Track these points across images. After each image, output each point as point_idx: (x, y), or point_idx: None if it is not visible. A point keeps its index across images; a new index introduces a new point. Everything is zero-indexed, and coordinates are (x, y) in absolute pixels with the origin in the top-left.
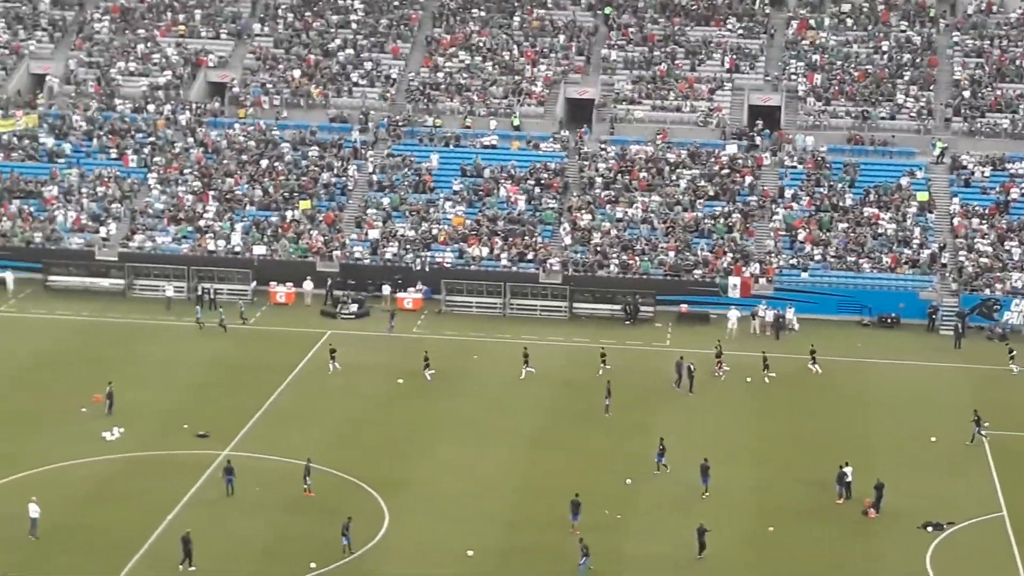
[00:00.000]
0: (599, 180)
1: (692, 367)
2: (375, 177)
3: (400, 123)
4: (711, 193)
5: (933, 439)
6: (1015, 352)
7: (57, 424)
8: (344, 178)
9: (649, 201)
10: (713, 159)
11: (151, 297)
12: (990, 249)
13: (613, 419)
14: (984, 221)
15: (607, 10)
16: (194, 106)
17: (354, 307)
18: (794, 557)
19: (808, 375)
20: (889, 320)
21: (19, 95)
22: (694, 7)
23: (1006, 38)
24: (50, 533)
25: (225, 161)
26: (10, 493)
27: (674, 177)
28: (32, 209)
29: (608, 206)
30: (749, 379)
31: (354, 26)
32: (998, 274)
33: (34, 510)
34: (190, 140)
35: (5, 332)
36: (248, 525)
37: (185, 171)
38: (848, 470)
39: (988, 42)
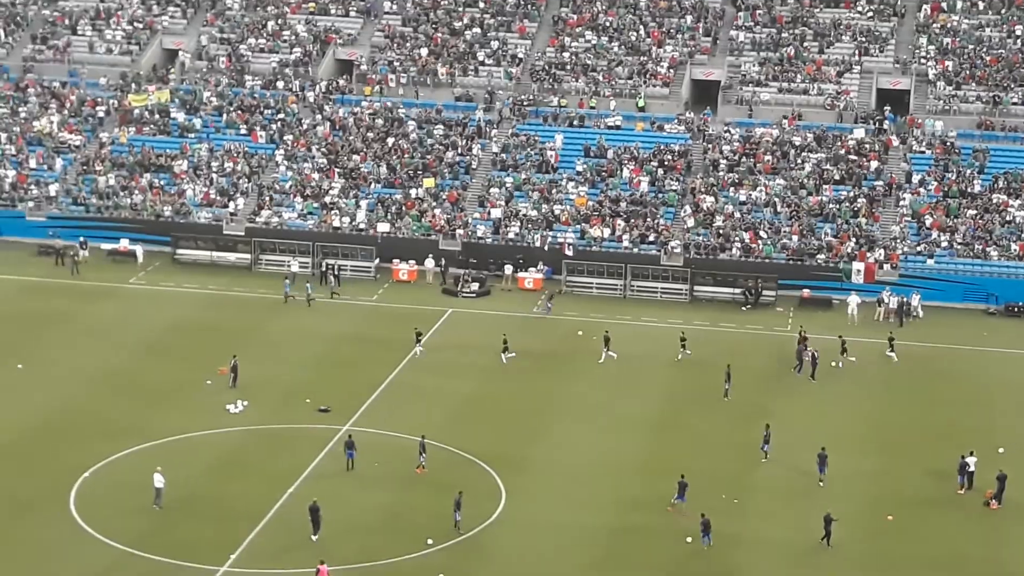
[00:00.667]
0: (723, 162)
1: (816, 353)
2: (500, 156)
3: (525, 103)
4: (836, 177)
5: None
6: None
7: (182, 396)
8: (468, 157)
9: (773, 184)
10: (840, 143)
11: (277, 272)
12: None
13: (732, 404)
14: None
15: None
16: (323, 83)
17: (475, 285)
18: (914, 547)
19: (934, 362)
20: (1016, 309)
21: (153, 70)
22: None
23: None
24: (174, 503)
25: (351, 138)
26: (136, 463)
27: (799, 160)
28: (163, 183)
29: (731, 189)
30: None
31: (481, 5)
32: None
33: (159, 480)
34: (318, 117)
35: (134, 304)
36: (367, 499)
37: (312, 148)
38: (971, 460)
39: None
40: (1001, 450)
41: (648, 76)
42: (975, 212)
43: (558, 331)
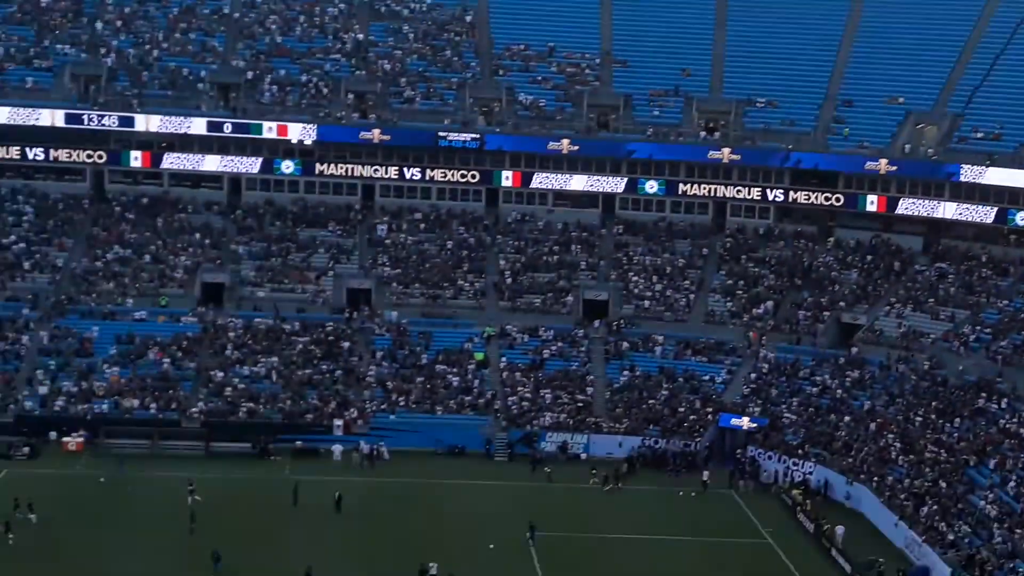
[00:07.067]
0: (230, 345)
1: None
2: (44, 344)
3: (65, 302)
4: (319, 355)
5: (491, 545)
6: (550, 470)
7: None
8: (17, 346)
9: (270, 361)
10: (321, 329)
11: None
12: (530, 395)
13: (239, 532)
14: (524, 375)
15: (237, 213)
16: None
17: (26, 449)
18: None
19: (396, 493)
20: (457, 450)
21: None
22: (302, 214)
23: (535, 240)
24: None
25: None
26: None
27: (291, 343)
28: None
29: (237, 365)
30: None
31: (26, 226)
32: (535, 413)
33: None
34: None
35: None
36: None
37: None
38: (434, 566)
39: (523, 242)
40: (433, 568)
41: (167, 280)
42: (423, 378)
43: (104, 485)
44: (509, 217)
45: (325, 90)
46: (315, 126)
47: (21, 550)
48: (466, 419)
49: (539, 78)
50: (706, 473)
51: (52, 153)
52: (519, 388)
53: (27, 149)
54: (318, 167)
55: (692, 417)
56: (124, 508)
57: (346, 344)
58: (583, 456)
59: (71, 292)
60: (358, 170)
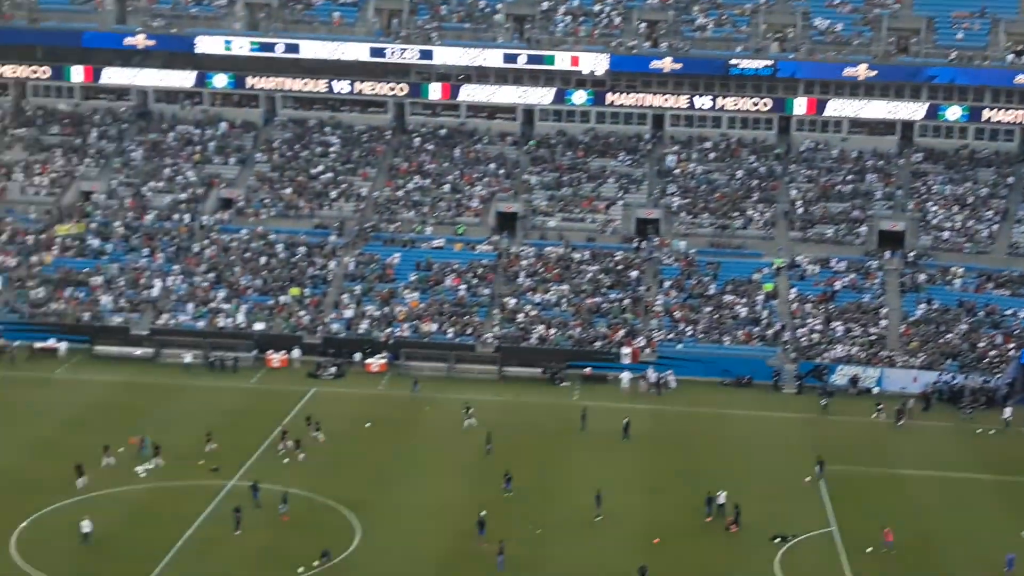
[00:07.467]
0: (522, 273)
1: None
2: (350, 271)
3: (368, 230)
4: (608, 283)
5: (784, 474)
6: (826, 403)
7: (100, 460)
8: (325, 271)
9: (560, 289)
10: (609, 258)
11: (174, 363)
12: (820, 327)
13: (530, 455)
14: (814, 307)
15: (530, 144)
16: (209, 216)
17: (332, 370)
18: (675, 564)
19: (685, 422)
20: (743, 381)
21: (72, 207)
22: (593, 143)
23: (828, 169)
24: (96, 545)
25: (233, 258)
26: (69, 513)
27: (580, 271)
28: (81, 295)
29: (529, 293)
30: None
31: (332, 156)
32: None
33: (87, 526)
34: (206, 241)
35: (60, 389)
36: (246, 541)
37: (201, 265)
38: (722, 495)
39: (816, 171)
40: (721, 496)
41: (463, 209)
42: (711, 308)
43: (404, 405)
44: (802, 145)
45: (617, 19)
46: (607, 56)
47: (330, 466)
48: (754, 350)
49: (836, 1)
50: (1008, 411)
51: (357, 86)
52: (809, 320)
53: (333, 82)
54: (609, 97)
55: (992, 352)
56: (423, 428)
57: (634, 273)
58: (875, 390)
59: (374, 220)
60: (649, 100)
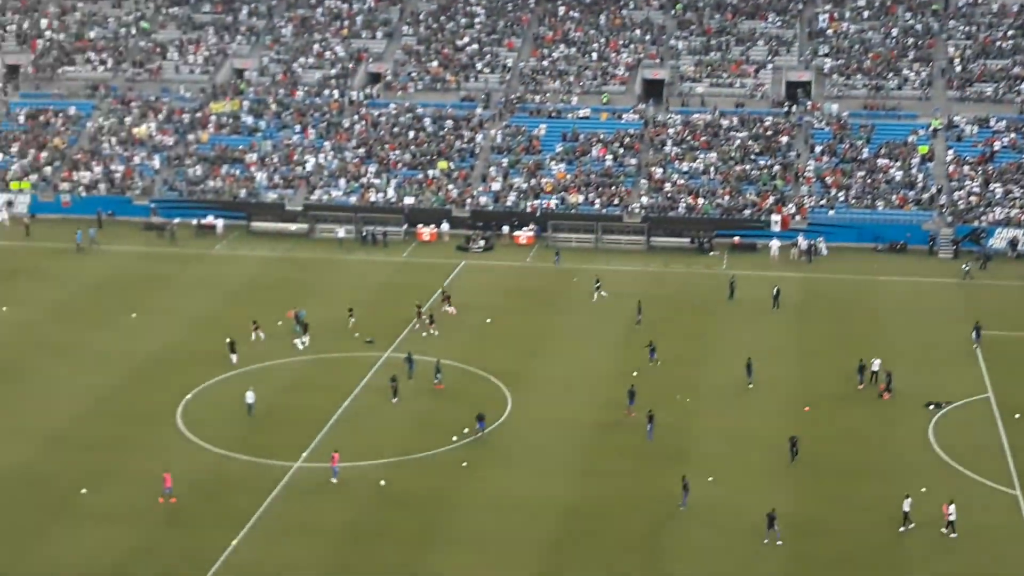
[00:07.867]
0: (669, 142)
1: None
2: (496, 143)
3: (515, 101)
4: (757, 150)
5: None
6: (968, 268)
7: (250, 335)
8: (472, 144)
9: (708, 157)
10: (759, 124)
11: (327, 237)
12: (978, 189)
13: (679, 325)
14: (972, 168)
15: (677, 7)
16: (357, 91)
17: (482, 243)
18: (826, 429)
19: (837, 289)
20: (898, 247)
21: (226, 85)
22: (742, 5)
23: (988, 25)
24: (259, 415)
25: (382, 133)
26: (232, 385)
27: (728, 139)
28: (237, 171)
29: (676, 162)
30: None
31: (478, 27)
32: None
33: (250, 396)
34: (355, 117)
35: (219, 265)
36: (401, 408)
37: (352, 140)
38: (877, 362)
39: (974, 27)
40: (876, 363)
41: (609, 77)
42: (864, 173)
43: (551, 276)
44: (960, 0)
45: None
46: None
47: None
48: (908, 215)
49: None
50: None
51: None
52: (966, 182)
53: None
54: None
55: None
56: (570, 299)
57: (784, 139)
58: None
59: (520, 91)
60: None
